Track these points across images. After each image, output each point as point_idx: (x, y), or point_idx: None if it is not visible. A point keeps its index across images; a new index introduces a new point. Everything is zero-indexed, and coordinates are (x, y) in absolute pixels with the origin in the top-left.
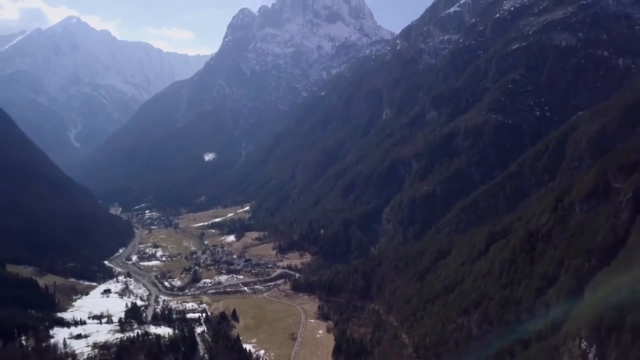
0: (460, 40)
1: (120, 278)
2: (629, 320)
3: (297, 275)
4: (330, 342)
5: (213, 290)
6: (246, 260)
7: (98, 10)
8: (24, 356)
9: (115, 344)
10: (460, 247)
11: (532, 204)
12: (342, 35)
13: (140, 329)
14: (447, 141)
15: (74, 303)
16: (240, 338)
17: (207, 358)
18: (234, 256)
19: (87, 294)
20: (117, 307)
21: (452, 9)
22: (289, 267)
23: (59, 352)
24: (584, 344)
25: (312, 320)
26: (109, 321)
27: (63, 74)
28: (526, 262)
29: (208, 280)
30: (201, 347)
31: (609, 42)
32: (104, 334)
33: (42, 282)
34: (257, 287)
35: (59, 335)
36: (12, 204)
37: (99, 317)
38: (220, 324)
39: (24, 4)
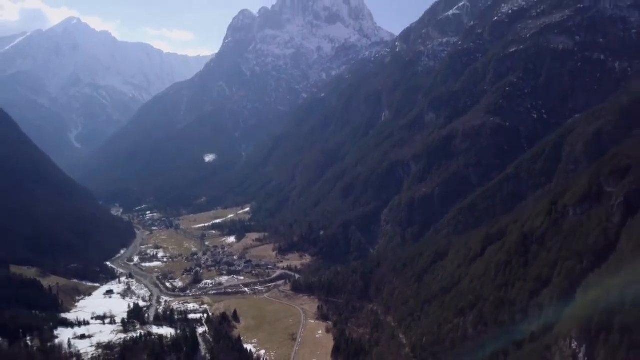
0: (459, 43)
1: (123, 279)
2: (617, 321)
3: (297, 276)
4: (329, 342)
5: (214, 291)
6: (247, 262)
7: (98, 11)
8: (29, 356)
9: (119, 344)
10: (457, 249)
11: (528, 207)
12: (341, 36)
13: (143, 330)
14: (445, 143)
15: (77, 304)
16: (241, 338)
17: (209, 358)
18: (235, 257)
19: (89, 294)
20: (120, 307)
21: (450, 12)
22: (289, 268)
23: (63, 352)
24: (574, 344)
25: (312, 321)
26: (112, 322)
27: (63, 75)
28: (521, 264)
29: (209, 281)
30: (203, 347)
31: (606, 46)
32: (107, 334)
33: (45, 283)
34: (257, 288)
35: (63, 335)
36: (16, 206)
37: (102, 318)
38: (222, 325)
39: (24, 5)
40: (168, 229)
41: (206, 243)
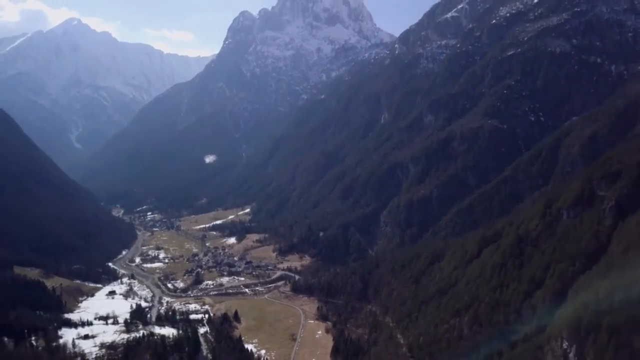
0: (458, 45)
1: (125, 280)
2: (605, 322)
3: (297, 277)
4: (328, 342)
5: (215, 292)
6: (247, 263)
7: (99, 11)
8: (36, 356)
9: (122, 344)
10: (454, 251)
11: (523, 209)
12: (341, 37)
13: (146, 330)
14: (444, 145)
15: (80, 304)
16: (242, 338)
17: (210, 358)
18: (235, 258)
19: (92, 295)
20: (122, 308)
21: (449, 14)
22: (289, 269)
23: (68, 352)
24: (565, 344)
25: (312, 321)
26: (115, 322)
27: (64, 76)
28: (515, 266)
29: (210, 282)
30: (204, 347)
31: (602, 49)
32: (110, 334)
33: (48, 283)
34: (257, 288)
35: (67, 335)
36: (17, 207)
37: (105, 318)
38: (223, 325)
39: (24, 6)
40: (169, 230)
41: (207, 244)
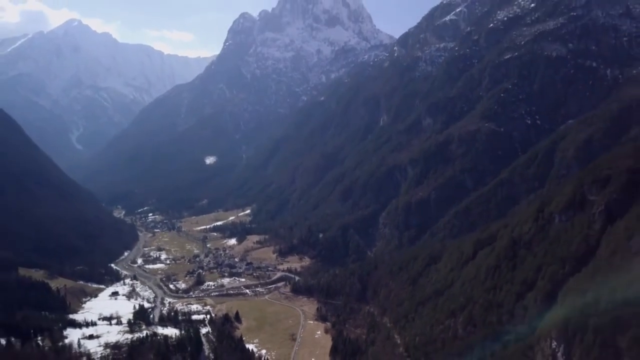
0: (456, 48)
1: (127, 281)
2: (591, 323)
3: (297, 278)
4: (327, 342)
5: (216, 293)
6: (248, 264)
7: (99, 12)
8: (42, 355)
9: (126, 344)
10: (450, 253)
11: (519, 212)
12: (341, 39)
13: (149, 330)
14: (442, 148)
15: (84, 305)
16: (243, 338)
17: (213, 358)
18: (236, 259)
19: (95, 296)
20: (125, 308)
21: (448, 17)
22: (289, 271)
23: (74, 351)
24: (554, 344)
25: (311, 322)
26: (119, 322)
27: (64, 77)
28: (509, 268)
29: (211, 283)
30: (206, 347)
31: (598, 53)
32: (114, 334)
33: (52, 284)
34: (258, 289)
35: (72, 335)
36: (19, 208)
37: (108, 319)
38: (224, 325)
39: (25, 7)
40: (170, 231)
41: (208, 245)
